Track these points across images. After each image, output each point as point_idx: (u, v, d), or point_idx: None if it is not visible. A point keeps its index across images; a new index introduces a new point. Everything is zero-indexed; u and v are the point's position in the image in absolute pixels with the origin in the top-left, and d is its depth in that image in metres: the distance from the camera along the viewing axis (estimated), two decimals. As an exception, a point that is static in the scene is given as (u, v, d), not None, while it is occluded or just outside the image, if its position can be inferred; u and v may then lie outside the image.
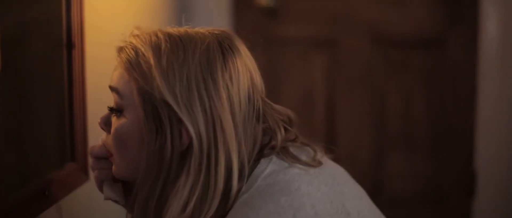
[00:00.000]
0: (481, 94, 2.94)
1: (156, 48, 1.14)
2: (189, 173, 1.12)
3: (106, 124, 1.22)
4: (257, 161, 1.17)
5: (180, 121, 1.12)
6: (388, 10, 3.00)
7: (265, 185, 1.13)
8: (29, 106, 1.40)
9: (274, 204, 1.09)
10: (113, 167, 1.23)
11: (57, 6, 1.48)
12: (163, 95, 1.11)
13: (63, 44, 1.50)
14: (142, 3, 2.22)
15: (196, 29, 1.20)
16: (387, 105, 3.06)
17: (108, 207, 1.41)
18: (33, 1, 1.41)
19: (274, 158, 1.17)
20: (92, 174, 1.32)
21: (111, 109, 1.20)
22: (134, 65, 1.15)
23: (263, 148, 1.18)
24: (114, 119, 1.19)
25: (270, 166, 1.16)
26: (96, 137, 1.29)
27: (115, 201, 1.30)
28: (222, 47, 1.16)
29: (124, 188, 1.30)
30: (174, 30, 1.19)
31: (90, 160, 1.30)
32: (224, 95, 1.13)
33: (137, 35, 1.19)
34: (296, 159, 1.18)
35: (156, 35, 1.17)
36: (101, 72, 1.43)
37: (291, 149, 1.20)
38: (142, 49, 1.15)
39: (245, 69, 1.17)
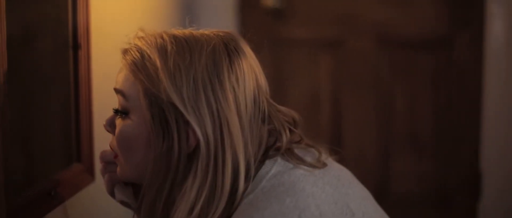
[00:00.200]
0: (486, 95, 2.94)
1: (162, 51, 1.15)
2: (196, 174, 1.13)
3: (111, 126, 1.22)
4: (262, 162, 1.17)
5: (187, 123, 1.12)
6: (394, 11, 3.00)
7: (270, 186, 1.13)
8: (35, 107, 1.40)
9: (279, 205, 1.09)
10: (118, 169, 1.23)
11: (63, 7, 1.48)
12: (170, 98, 1.11)
13: (69, 45, 1.51)
14: (148, 5, 2.22)
15: (201, 31, 1.20)
16: (393, 106, 3.05)
17: (113, 208, 1.41)
18: (39, 3, 1.41)
19: (279, 159, 1.18)
20: (98, 176, 1.32)
21: (117, 111, 1.20)
22: (140, 67, 1.15)
23: (268, 150, 1.19)
24: (119, 121, 1.19)
25: (275, 167, 1.16)
26: (102, 138, 1.29)
27: (126, 204, 1.30)
28: (227, 49, 1.16)
29: (134, 191, 1.30)
30: (179, 32, 1.19)
31: (100, 165, 1.30)
32: (230, 96, 1.13)
33: (142, 37, 1.19)
34: (301, 161, 1.18)
35: (162, 37, 1.17)
36: (107, 73, 1.43)
37: (296, 151, 1.20)
38: (148, 51, 1.15)
39: (250, 71, 1.17)
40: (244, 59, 1.17)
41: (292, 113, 1.25)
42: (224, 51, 1.16)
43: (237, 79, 1.15)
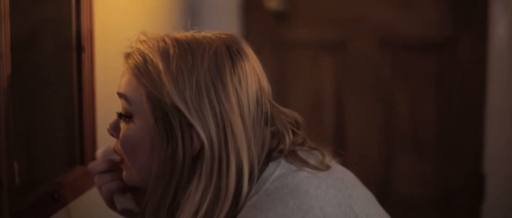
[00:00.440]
0: (489, 96, 2.94)
1: (164, 54, 1.14)
2: (200, 177, 1.13)
3: (115, 130, 1.22)
4: (265, 164, 1.17)
5: (190, 126, 1.12)
6: (397, 13, 2.99)
7: (273, 188, 1.13)
8: (39, 109, 1.40)
9: (282, 207, 1.10)
10: (124, 173, 1.23)
11: (67, 9, 1.48)
12: (174, 101, 1.11)
13: (73, 47, 1.51)
14: (152, 7, 2.22)
15: (203, 34, 1.20)
16: (395, 107, 3.05)
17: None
18: (43, 5, 1.41)
19: (282, 162, 1.18)
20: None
21: (120, 115, 1.20)
22: (142, 71, 1.15)
23: (272, 152, 1.19)
24: (122, 125, 1.19)
25: (279, 169, 1.16)
26: (105, 140, 1.29)
27: (128, 212, 1.30)
28: (230, 51, 1.16)
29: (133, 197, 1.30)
30: (181, 35, 1.19)
31: (95, 178, 1.29)
32: (233, 99, 1.13)
33: (144, 41, 1.19)
34: (305, 163, 1.18)
35: (164, 41, 1.17)
36: (111, 75, 1.43)
37: (299, 153, 1.20)
38: (150, 55, 1.15)
39: (252, 73, 1.17)
40: (247, 61, 1.17)
41: (295, 115, 1.25)
42: (226, 53, 1.16)
43: (239, 81, 1.15)
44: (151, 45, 1.17)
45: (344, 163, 1.28)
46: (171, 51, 1.14)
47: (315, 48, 3.08)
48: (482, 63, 2.93)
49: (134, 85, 1.16)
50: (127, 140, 1.18)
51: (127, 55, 1.19)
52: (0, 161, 1.18)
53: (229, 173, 1.12)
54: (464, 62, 2.97)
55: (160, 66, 1.13)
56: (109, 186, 1.27)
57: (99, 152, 1.29)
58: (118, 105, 1.20)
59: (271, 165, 1.17)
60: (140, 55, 1.16)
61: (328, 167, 1.20)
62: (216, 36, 1.19)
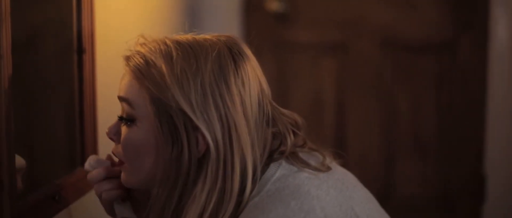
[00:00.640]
0: (490, 98, 2.94)
1: (167, 57, 1.14)
2: (206, 179, 1.13)
3: (115, 134, 1.21)
4: (267, 165, 1.17)
5: (196, 129, 1.12)
6: (398, 15, 3.00)
7: (275, 189, 1.13)
8: (40, 111, 1.40)
9: (284, 208, 1.10)
10: (123, 175, 1.23)
11: (68, 10, 1.48)
12: (179, 104, 1.11)
13: (74, 49, 1.51)
14: (153, 8, 2.23)
15: (202, 36, 1.20)
16: (396, 109, 3.05)
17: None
18: (44, 6, 1.42)
19: (283, 163, 1.18)
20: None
21: (121, 119, 1.19)
22: (145, 74, 1.14)
23: (273, 153, 1.19)
24: (124, 128, 1.19)
25: (280, 170, 1.16)
26: (106, 142, 1.29)
27: None
28: (232, 53, 1.16)
29: (131, 204, 1.30)
30: (181, 37, 1.19)
31: (94, 186, 1.29)
32: (237, 100, 1.13)
33: (144, 44, 1.18)
34: (305, 164, 1.18)
35: (165, 43, 1.16)
36: (112, 76, 1.44)
37: (300, 154, 1.21)
38: (153, 58, 1.15)
39: (254, 74, 1.18)
40: (248, 62, 1.17)
41: (295, 116, 1.25)
42: (229, 55, 1.16)
43: (242, 83, 1.15)
44: (153, 48, 1.16)
45: (344, 164, 1.29)
46: (174, 54, 1.14)
47: (315, 49, 3.08)
48: (482, 64, 2.93)
49: (136, 88, 1.16)
50: (130, 144, 1.18)
51: (128, 58, 1.18)
52: (1, 162, 1.17)
53: (233, 174, 1.13)
54: (465, 63, 2.97)
55: (164, 69, 1.13)
56: (109, 194, 1.27)
57: (90, 164, 1.28)
58: (119, 107, 1.20)
59: (272, 166, 1.17)
60: (141, 58, 1.16)
61: (328, 168, 1.20)
62: (216, 38, 1.19)
